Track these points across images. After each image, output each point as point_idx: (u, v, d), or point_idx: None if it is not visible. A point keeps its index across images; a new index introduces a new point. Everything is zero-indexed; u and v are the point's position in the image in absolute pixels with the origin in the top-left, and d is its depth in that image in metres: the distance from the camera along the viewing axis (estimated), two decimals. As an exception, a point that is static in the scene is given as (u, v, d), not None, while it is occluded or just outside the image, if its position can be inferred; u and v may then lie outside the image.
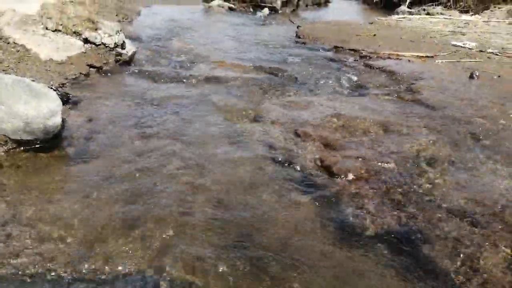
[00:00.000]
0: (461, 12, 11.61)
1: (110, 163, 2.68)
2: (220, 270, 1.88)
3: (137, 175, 2.57)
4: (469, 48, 6.91)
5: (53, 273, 1.81)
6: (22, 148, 2.72)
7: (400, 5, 13.08)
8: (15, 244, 1.93)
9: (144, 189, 2.42)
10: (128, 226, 2.10)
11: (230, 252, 1.99)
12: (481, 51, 6.74)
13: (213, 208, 2.30)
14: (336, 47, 6.95)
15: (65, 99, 3.40)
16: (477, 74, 5.18)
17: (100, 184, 2.44)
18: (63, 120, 2.90)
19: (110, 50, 4.79)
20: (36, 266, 1.83)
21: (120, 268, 1.86)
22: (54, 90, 3.12)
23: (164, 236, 2.06)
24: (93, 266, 1.86)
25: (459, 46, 7.06)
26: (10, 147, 2.70)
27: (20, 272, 1.79)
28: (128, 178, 2.52)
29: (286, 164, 2.87)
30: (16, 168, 2.54)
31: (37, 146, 2.74)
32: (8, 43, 4.04)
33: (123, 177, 2.53)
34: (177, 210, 2.25)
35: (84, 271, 1.83)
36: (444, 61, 6.11)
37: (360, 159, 2.93)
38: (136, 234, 2.06)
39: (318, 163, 2.92)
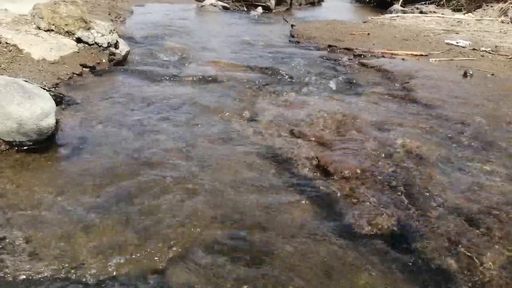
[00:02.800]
0: (454, 10, 11.67)
1: (104, 164, 2.65)
2: (215, 270, 1.87)
3: (132, 175, 2.55)
4: (462, 47, 6.95)
5: (47, 276, 1.79)
6: (15, 149, 2.69)
7: (393, 3, 13.12)
8: (7, 246, 1.91)
9: (139, 190, 2.40)
10: (123, 229, 2.09)
11: (227, 252, 1.98)
12: (475, 49, 6.79)
13: (209, 209, 2.29)
14: (330, 46, 6.95)
15: (59, 100, 3.37)
16: (470, 72, 5.21)
17: (94, 185, 2.42)
18: (57, 121, 2.87)
19: (103, 50, 4.76)
20: (29, 268, 1.81)
21: (115, 270, 1.85)
22: (48, 91, 3.09)
23: (161, 239, 2.04)
24: (87, 268, 1.84)
25: (452, 44, 7.10)
26: (4, 149, 2.67)
27: (14, 276, 1.77)
28: (123, 179, 2.50)
29: (282, 164, 2.87)
30: (9, 169, 2.51)
31: (30, 147, 2.71)
32: (0, 43, 4.00)
33: (118, 178, 2.51)
34: (173, 211, 2.24)
35: (79, 272, 1.82)
36: (437, 59, 6.14)
37: (355, 158, 2.93)
38: (132, 236, 2.04)
39: (314, 162, 2.92)
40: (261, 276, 1.87)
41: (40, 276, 1.78)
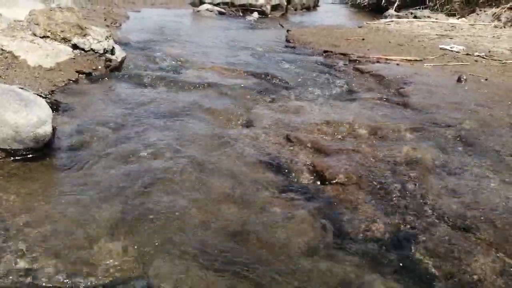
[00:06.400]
0: (448, 15, 11.76)
1: (101, 172, 2.66)
2: (208, 278, 1.87)
3: (129, 183, 2.55)
4: (456, 52, 7.01)
5: (41, 283, 1.79)
6: (11, 157, 2.68)
7: (388, 8, 13.20)
8: (3, 256, 1.90)
9: (136, 198, 2.40)
10: (121, 235, 2.09)
11: (221, 261, 1.99)
12: (468, 54, 6.84)
13: (203, 213, 2.30)
14: (325, 51, 6.99)
15: (55, 107, 3.37)
16: (464, 77, 5.25)
17: (91, 193, 2.42)
18: (53, 128, 2.87)
19: (99, 56, 4.76)
20: (26, 276, 1.81)
21: (108, 277, 1.85)
22: (44, 98, 3.10)
23: (155, 243, 2.05)
24: (83, 276, 1.84)
25: (446, 49, 7.15)
26: (-1, 157, 2.67)
27: (9, 284, 1.77)
28: (119, 187, 2.51)
29: (278, 170, 2.88)
30: (4, 177, 2.51)
31: (27, 155, 2.71)
32: (-4, 50, 4.00)
33: (114, 186, 2.51)
34: (167, 220, 2.24)
35: (73, 280, 1.82)
36: (432, 64, 6.19)
37: (351, 164, 2.95)
38: (128, 241, 2.05)
39: (310, 168, 2.93)
40: (256, 282, 1.87)
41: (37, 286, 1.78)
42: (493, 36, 8.60)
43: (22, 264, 1.87)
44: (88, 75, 4.46)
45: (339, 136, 3.44)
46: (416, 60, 6.41)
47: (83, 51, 4.65)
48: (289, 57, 6.60)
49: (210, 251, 2.04)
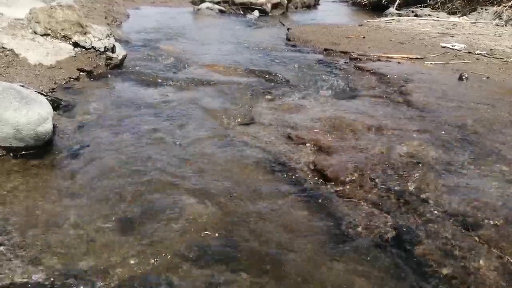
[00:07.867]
0: (449, 13, 11.74)
1: (102, 170, 2.65)
2: (205, 279, 1.87)
3: (130, 182, 2.55)
4: (457, 50, 6.99)
5: (43, 281, 1.78)
6: (12, 155, 2.68)
7: (388, 7, 13.17)
8: (4, 253, 1.90)
9: (136, 197, 2.40)
10: (121, 234, 2.09)
11: (222, 261, 1.98)
12: (470, 52, 6.83)
13: (203, 213, 2.30)
14: (326, 49, 6.98)
15: (56, 105, 3.37)
16: (466, 75, 5.24)
17: (92, 192, 2.42)
18: (54, 126, 2.87)
19: (100, 54, 4.76)
20: (27, 276, 1.81)
21: (115, 279, 1.85)
22: (44, 96, 3.10)
23: (157, 248, 2.05)
24: (84, 275, 1.84)
25: (448, 47, 7.14)
26: (0, 154, 2.67)
27: (12, 282, 1.77)
28: (121, 185, 2.50)
29: (279, 169, 2.88)
30: (5, 175, 2.51)
31: (28, 153, 2.71)
32: (-3, 48, 4.00)
33: (115, 184, 2.51)
34: (171, 219, 2.24)
35: (73, 279, 1.81)
36: (433, 62, 6.18)
37: (352, 162, 2.94)
38: (129, 242, 2.04)
39: (311, 167, 2.93)
40: (257, 282, 1.87)
41: (37, 282, 1.78)
42: (495, 35, 8.58)
43: (20, 261, 1.87)
44: (89, 73, 4.45)
45: (340, 134, 3.43)
46: (417, 58, 6.40)
47: (83, 49, 4.65)
48: (290, 55, 6.59)
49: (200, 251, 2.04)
